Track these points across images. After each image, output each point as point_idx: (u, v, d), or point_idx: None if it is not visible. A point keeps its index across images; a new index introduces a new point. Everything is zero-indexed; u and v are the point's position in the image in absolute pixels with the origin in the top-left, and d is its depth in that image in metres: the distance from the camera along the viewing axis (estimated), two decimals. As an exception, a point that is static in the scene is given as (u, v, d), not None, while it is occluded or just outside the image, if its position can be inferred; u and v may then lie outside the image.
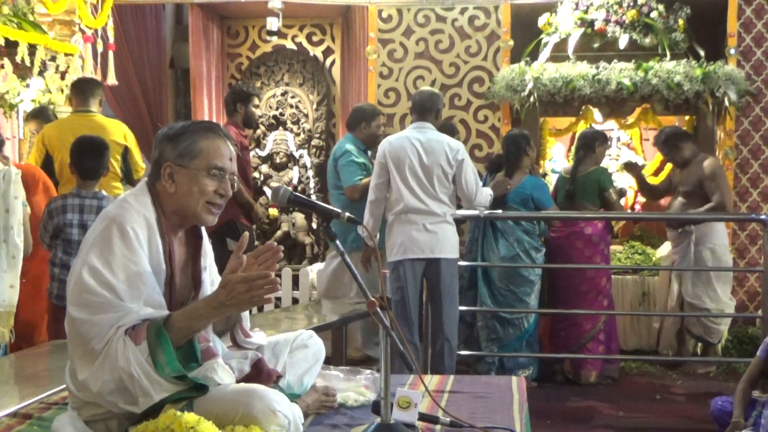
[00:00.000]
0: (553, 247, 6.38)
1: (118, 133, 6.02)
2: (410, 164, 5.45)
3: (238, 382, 2.66)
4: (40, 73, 5.87)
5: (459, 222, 6.03)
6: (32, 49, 5.56)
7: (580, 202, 6.44)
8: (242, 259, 2.51)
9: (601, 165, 6.66)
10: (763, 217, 6.01)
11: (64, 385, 2.69)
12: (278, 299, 7.60)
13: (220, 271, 2.63)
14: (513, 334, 6.21)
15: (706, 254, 6.46)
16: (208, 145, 2.64)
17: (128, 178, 6.08)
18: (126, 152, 6.05)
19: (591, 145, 6.50)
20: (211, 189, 2.63)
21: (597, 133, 6.66)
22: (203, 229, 2.81)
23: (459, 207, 5.76)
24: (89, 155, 4.99)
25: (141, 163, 6.12)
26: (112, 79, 6.70)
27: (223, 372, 2.55)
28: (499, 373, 6.16)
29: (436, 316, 5.54)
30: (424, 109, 5.62)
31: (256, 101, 6.75)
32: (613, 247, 7.39)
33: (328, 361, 3.41)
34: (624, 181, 7.88)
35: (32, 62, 5.58)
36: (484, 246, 6.27)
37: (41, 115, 6.41)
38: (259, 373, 2.76)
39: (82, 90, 6.02)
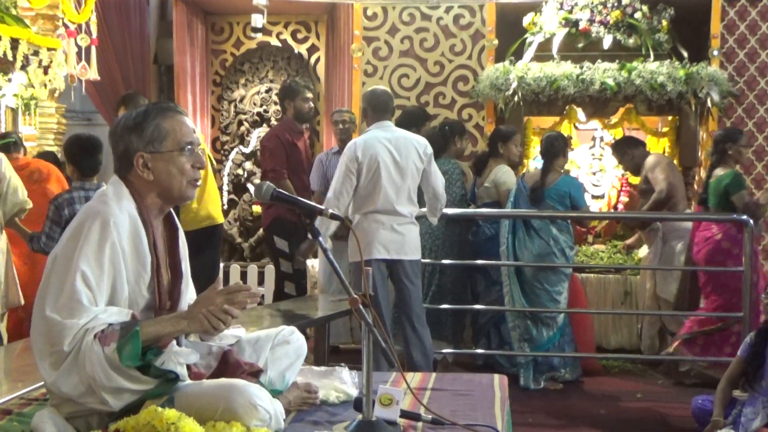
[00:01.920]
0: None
1: None
2: (385, 164, 5.33)
3: (208, 377, 2.68)
4: (23, 67, 5.86)
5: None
6: (15, 43, 5.55)
7: (713, 209, 6.27)
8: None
9: (735, 168, 6.28)
10: (744, 217, 6.05)
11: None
12: (261, 296, 7.60)
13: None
14: (546, 333, 6.18)
15: (676, 249, 6.49)
16: (172, 124, 2.65)
17: None
18: None
19: (721, 148, 6.25)
20: (188, 166, 2.66)
21: (726, 135, 6.33)
22: (177, 220, 2.81)
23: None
24: (89, 153, 5.15)
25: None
26: (94, 75, 6.67)
27: (182, 355, 2.55)
28: (536, 375, 6.15)
29: (405, 317, 5.52)
30: (384, 107, 5.52)
31: (306, 94, 6.74)
32: (596, 247, 7.43)
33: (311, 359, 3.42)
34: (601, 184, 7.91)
35: (15, 56, 5.56)
36: (516, 245, 6.23)
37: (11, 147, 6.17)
38: (226, 365, 2.75)
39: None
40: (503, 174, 6.51)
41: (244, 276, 7.66)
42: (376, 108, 5.50)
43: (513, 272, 6.23)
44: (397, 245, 5.36)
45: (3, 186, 5.17)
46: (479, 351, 6.56)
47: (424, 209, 5.64)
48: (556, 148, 6.27)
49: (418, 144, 5.44)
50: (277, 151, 6.52)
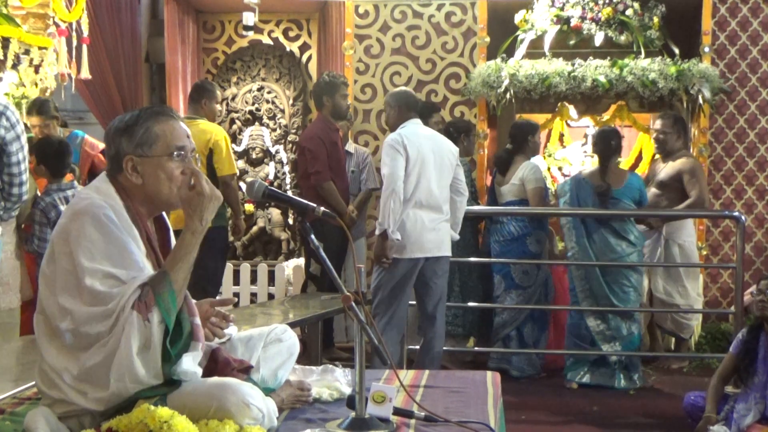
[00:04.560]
0: None
1: (205, 137, 6.30)
2: (431, 159, 5.34)
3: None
4: (14, 66, 5.84)
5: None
6: (5, 42, 5.54)
7: None
8: None
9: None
10: (736, 214, 6.09)
11: (36, 381, 2.67)
12: (254, 294, 7.60)
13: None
14: (635, 330, 6.13)
15: (675, 250, 6.50)
16: (163, 129, 2.62)
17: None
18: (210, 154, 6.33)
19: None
20: (177, 172, 2.62)
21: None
22: (168, 221, 2.81)
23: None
24: (60, 156, 5.51)
25: (227, 162, 6.38)
26: (86, 73, 6.65)
27: (189, 374, 2.55)
28: (630, 374, 6.10)
29: (431, 311, 5.51)
30: (414, 106, 5.57)
31: (343, 90, 6.60)
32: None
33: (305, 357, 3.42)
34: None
35: (5, 55, 5.55)
36: (591, 246, 6.09)
37: (45, 110, 6.30)
38: (215, 363, 2.75)
39: (191, 96, 6.57)
40: (532, 171, 6.40)
41: (237, 275, 7.65)
42: (409, 106, 5.55)
43: (599, 272, 6.08)
44: (437, 243, 5.40)
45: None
46: (476, 349, 6.57)
47: None
48: (614, 145, 6.17)
49: (449, 144, 5.56)
50: (319, 151, 6.38)
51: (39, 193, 5.61)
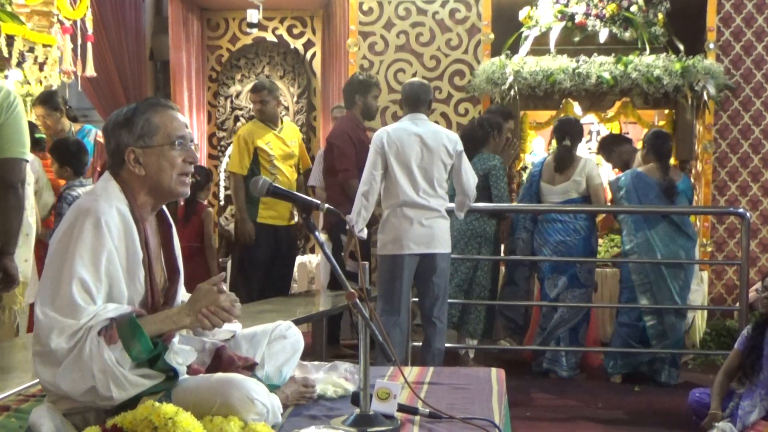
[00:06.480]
0: None
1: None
2: (413, 156, 5.30)
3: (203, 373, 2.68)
4: (19, 64, 5.86)
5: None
6: (10, 40, 5.56)
7: None
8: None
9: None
10: (741, 210, 6.08)
11: (40, 378, 2.68)
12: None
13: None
14: (684, 326, 6.14)
15: None
16: (162, 119, 2.64)
17: None
18: None
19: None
20: (179, 160, 2.65)
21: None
22: (170, 218, 2.81)
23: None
24: (79, 154, 5.66)
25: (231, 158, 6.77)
26: (90, 71, 6.67)
27: (182, 354, 2.55)
28: (672, 371, 6.10)
29: (428, 310, 5.50)
30: (417, 100, 5.48)
31: (375, 91, 6.61)
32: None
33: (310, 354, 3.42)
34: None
35: (10, 53, 5.57)
36: (655, 241, 6.06)
37: (49, 102, 6.34)
38: (220, 361, 2.75)
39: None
40: (595, 166, 6.39)
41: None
42: (409, 101, 5.50)
43: (668, 274, 6.05)
44: (426, 239, 5.33)
45: (41, 185, 5.45)
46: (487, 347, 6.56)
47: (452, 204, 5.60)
48: (669, 145, 6.20)
49: (449, 140, 5.40)
50: (347, 149, 6.37)
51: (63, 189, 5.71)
